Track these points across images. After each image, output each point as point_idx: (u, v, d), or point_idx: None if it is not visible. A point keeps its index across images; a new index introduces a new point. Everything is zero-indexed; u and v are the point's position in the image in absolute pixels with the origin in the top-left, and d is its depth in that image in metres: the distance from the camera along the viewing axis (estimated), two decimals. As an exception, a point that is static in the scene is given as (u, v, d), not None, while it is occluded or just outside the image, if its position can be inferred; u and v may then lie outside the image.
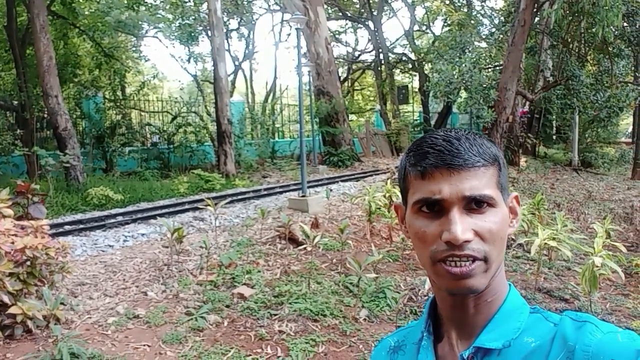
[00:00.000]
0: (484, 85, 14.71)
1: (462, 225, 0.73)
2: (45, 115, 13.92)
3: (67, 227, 7.94)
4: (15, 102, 14.90)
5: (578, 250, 6.18)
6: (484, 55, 17.60)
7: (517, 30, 13.46)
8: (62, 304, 4.30)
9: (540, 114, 22.05)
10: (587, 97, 15.77)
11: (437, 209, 0.76)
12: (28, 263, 4.19)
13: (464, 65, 14.86)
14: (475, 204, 0.75)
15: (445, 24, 28.40)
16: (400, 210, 0.86)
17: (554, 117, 22.96)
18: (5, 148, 13.34)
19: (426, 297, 4.92)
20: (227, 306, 4.89)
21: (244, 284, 5.40)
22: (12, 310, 3.87)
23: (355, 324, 4.79)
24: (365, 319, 4.94)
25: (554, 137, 26.41)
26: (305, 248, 6.37)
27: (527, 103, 19.52)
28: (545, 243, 5.57)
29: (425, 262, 0.78)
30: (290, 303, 4.98)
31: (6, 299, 3.80)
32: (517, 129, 18.55)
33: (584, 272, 4.90)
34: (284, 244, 6.76)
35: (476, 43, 17.58)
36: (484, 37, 18.41)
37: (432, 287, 0.84)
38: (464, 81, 14.68)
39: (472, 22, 19.82)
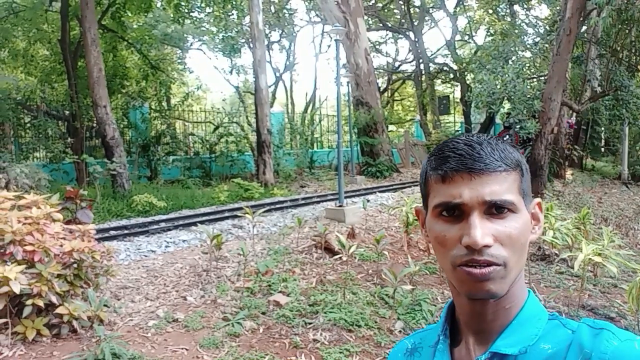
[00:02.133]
0: (528, 96, 14.35)
1: (482, 230, 0.73)
2: (95, 125, 14.53)
3: (112, 232, 8.24)
4: (67, 112, 15.66)
5: (625, 267, 5.93)
6: (528, 65, 17.19)
7: (563, 39, 13.10)
8: (105, 305, 4.46)
9: (587, 126, 21.30)
10: (638, 107, 15.15)
11: (457, 213, 0.77)
12: (75, 265, 4.38)
13: (507, 75, 14.57)
14: (495, 209, 0.75)
15: (488, 34, 27.97)
16: (421, 214, 0.87)
17: (602, 128, 22.14)
18: (56, 156, 14.02)
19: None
20: (263, 313, 4.95)
21: (280, 291, 5.45)
22: (60, 310, 4.05)
23: (390, 336, 4.75)
24: (400, 331, 4.90)
25: (602, 149, 25.44)
26: (341, 258, 6.37)
27: (574, 114, 18.91)
28: (590, 259, 5.37)
29: (446, 266, 0.79)
30: (325, 312, 4.99)
31: (54, 299, 3.98)
32: (563, 141, 18.00)
33: (630, 289, 4.70)
34: (320, 254, 6.79)
35: (520, 52, 17.21)
36: (528, 46, 18.01)
37: (452, 292, 0.85)
38: (506, 91, 14.38)
39: (516, 31, 19.43)
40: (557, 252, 7.18)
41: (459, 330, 0.86)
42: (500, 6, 25.67)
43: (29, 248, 4.01)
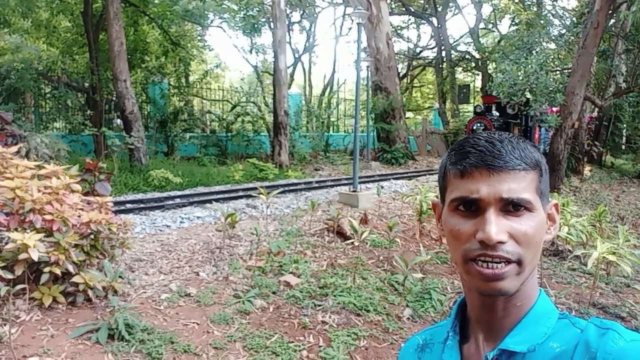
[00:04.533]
0: (550, 89, 14.11)
1: (496, 226, 0.74)
2: (114, 98, 14.65)
3: (128, 206, 8.36)
4: (87, 84, 15.78)
5: (640, 266, 5.87)
6: (552, 57, 16.87)
7: (590, 32, 12.80)
8: (120, 277, 4.55)
9: (609, 122, 20.91)
10: (663, 106, 14.82)
11: (473, 208, 0.77)
12: (92, 236, 4.47)
13: (530, 66, 14.31)
14: (512, 207, 0.76)
15: (513, 23, 27.42)
16: (438, 208, 0.88)
17: (624, 125, 21.72)
18: (75, 127, 14.19)
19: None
20: (274, 292, 5.01)
21: (291, 272, 5.50)
22: (76, 279, 4.14)
23: (398, 322, 4.79)
24: (408, 318, 4.93)
25: (623, 146, 24.98)
26: (352, 243, 6.40)
27: (596, 109, 18.57)
28: (604, 257, 5.33)
29: (457, 260, 0.80)
30: (334, 295, 5.04)
31: (71, 268, 4.07)
32: (583, 136, 17.71)
33: (644, 290, 4.66)
34: (331, 237, 6.82)
35: (544, 44, 16.87)
36: (553, 38, 17.63)
37: (463, 286, 0.86)
38: (529, 83, 14.15)
39: (542, 21, 19.02)
40: (570, 248, 7.13)
41: (469, 327, 0.87)
42: (527, -5, 25.11)
43: (48, 217, 4.09)
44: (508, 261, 0.75)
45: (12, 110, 9.04)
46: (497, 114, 17.56)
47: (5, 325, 3.66)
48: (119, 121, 15.53)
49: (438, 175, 0.87)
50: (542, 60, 14.92)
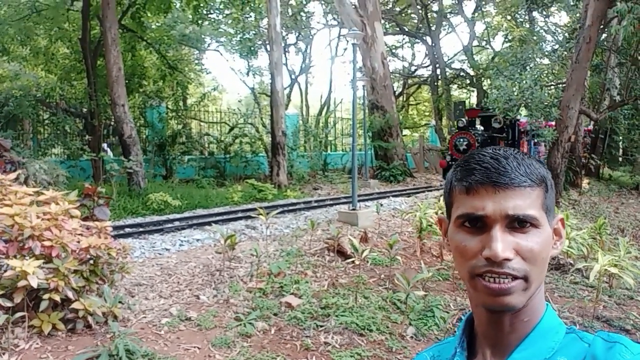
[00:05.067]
0: (545, 103, 14.22)
1: (502, 244, 0.74)
2: (112, 123, 14.73)
3: (127, 230, 8.33)
4: (85, 110, 15.88)
5: (642, 279, 5.84)
6: (546, 72, 17.03)
7: (582, 47, 12.96)
8: (120, 302, 4.51)
9: (605, 135, 21.03)
10: (658, 117, 14.93)
11: (479, 225, 0.78)
12: (91, 262, 4.44)
13: (524, 82, 14.45)
14: (518, 223, 0.76)
15: (506, 40, 27.80)
16: (444, 223, 0.88)
17: (620, 137, 21.83)
18: (74, 152, 14.22)
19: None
20: (275, 314, 4.97)
21: (292, 293, 5.46)
22: (75, 305, 4.10)
23: (401, 341, 4.74)
24: (412, 337, 4.88)
25: (620, 158, 25.08)
26: (353, 261, 6.37)
27: (592, 123, 18.69)
28: (606, 269, 5.31)
29: (464, 275, 0.80)
30: (336, 315, 4.99)
31: (70, 294, 4.04)
32: (580, 149, 17.78)
33: (648, 302, 4.63)
34: (332, 257, 6.79)
35: (538, 59, 17.06)
36: (546, 53, 17.85)
37: (470, 302, 0.86)
38: (524, 98, 14.26)
39: (535, 38, 19.27)
40: (572, 261, 7.10)
41: (476, 342, 0.87)
42: (519, 12, 25.51)
43: (47, 243, 4.07)
44: (515, 277, 0.75)
45: (10, 137, 9.09)
46: (482, 128, 17.04)
47: (4, 354, 3.62)
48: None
49: (444, 191, 0.88)
50: (536, 76, 15.07)
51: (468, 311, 0.88)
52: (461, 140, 15.49)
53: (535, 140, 18.37)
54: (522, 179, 0.77)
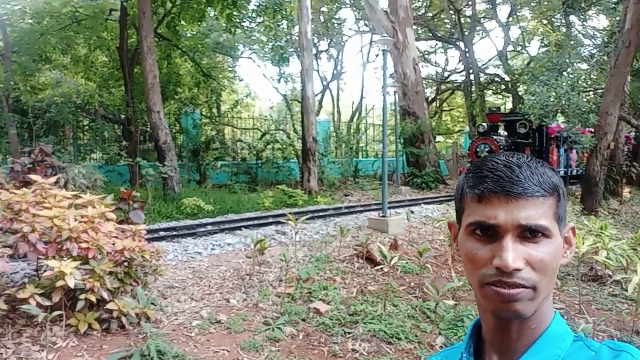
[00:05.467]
0: (583, 109, 13.84)
1: (513, 254, 0.74)
2: (148, 129, 15.11)
3: (161, 233, 8.52)
4: (123, 116, 16.37)
5: (686, 292, 5.59)
6: (584, 77, 16.57)
7: (621, 51, 12.57)
8: (152, 304, 4.62)
9: (647, 142, 20.26)
10: None
11: (490, 233, 0.78)
12: (126, 264, 4.57)
13: (560, 87, 14.10)
14: (529, 233, 0.76)
15: (542, 45, 27.20)
16: (454, 228, 0.88)
17: (663, 145, 20.98)
18: (112, 158, 14.65)
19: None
20: (303, 320, 4.99)
21: (320, 299, 5.47)
22: (110, 306, 4.23)
23: (430, 351, 4.68)
24: (441, 347, 4.81)
25: (664, 166, 24.11)
26: (382, 269, 6.34)
27: (633, 129, 18.07)
28: (646, 281, 5.11)
29: (474, 283, 0.80)
30: (364, 323, 4.97)
31: (105, 295, 4.16)
32: (620, 157, 17.19)
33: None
34: (361, 263, 6.77)
35: (576, 64, 16.62)
36: (584, 58, 17.38)
37: (479, 309, 0.86)
38: (560, 104, 13.92)
39: (572, 42, 18.80)
40: (610, 273, 6.86)
41: (483, 348, 0.87)
42: (556, 16, 24.94)
43: (84, 245, 4.21)
44: (523, 287, 0.75)
45: (52, 143, 9.43)
46: (505, 133, 16.26)
47: (42, 351, 3.76)
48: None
49: (455, 196, 0.88)
50: (573, 81, 14.69)
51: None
52: (482, 146, 14.94)
53: (566, 147, 17.73)
54: (535, 188, 0.76)
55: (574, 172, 19.07)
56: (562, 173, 18.67)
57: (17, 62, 15.01)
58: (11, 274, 5.10)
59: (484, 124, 15.84)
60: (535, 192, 0.76)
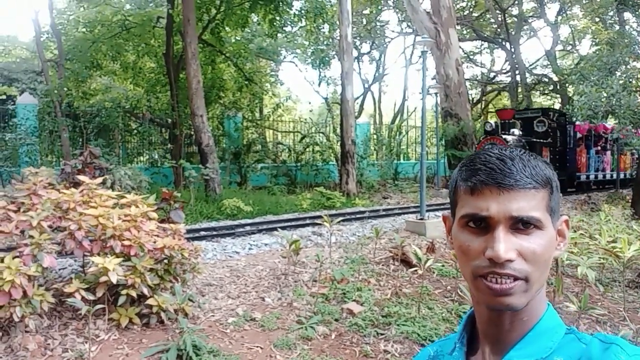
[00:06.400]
0: (636, 110, 13.23)
1: (505, 245, 0.76)
2: (192, 133, 15.57)
3: (202, 233, 8.76)
4: (169, 120, 16.93)
5: None
6: (638, 76, 15.85)
7: (678, 48, 11.98)
8: (190, 300, 4.79)
9: None
10: None
11: (483, 225, 0.79)
12: (165, 261, 4.75)
13: (611, 87, 13.53)
14: (521, 225, 0.77)
15: (593, 44, 26.18)
16: (448, 221, 0.90)
17: None
18: (157, 160, 15.19)
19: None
20: (336, 320, 5.03)
21: (354, 300, 5.50)
22: (150, 301, 4.41)
23: (464, 354, 4.62)
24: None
25: None
26: (416, 271, 6.29)
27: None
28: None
29: (467, 275, 0.82)
30: (398, 325, 4.96)
31: (146, 291, 4.34)
32: (676, 159, 16.31)
33: None
34: (397, 266, 6.75)
35: (631, 62, 15.90)
36: (638, 56, 16.60)
37: (472, 300, 0.87)
38: (610, 105, 13.36)
39: (625, 40, 18.01)
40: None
41: (477, 339, 0.88)
42: (608, 14, 23.97)
43: (126, 243, 4.42)
44: (516, 278, 0.76)
45: (101, 146, 9.91)
46: (519, 132, 14.68)
47: (86, 343, 3.97)
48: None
49: (449, 189, 0.90)
50: (625, 81, 14.08)
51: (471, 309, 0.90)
52: (489, 147, 14.27)
53: (599, 148, 16.69)
54: (527, 180, 0.78)
55: (606, 177, 17.91)
56: (592, 177, 17.43)
57: (70, 69, 15.82)
58: (60, 269, 5.39)
59: (492, 122, 14.50)
60: (527, 184, 0.77)
